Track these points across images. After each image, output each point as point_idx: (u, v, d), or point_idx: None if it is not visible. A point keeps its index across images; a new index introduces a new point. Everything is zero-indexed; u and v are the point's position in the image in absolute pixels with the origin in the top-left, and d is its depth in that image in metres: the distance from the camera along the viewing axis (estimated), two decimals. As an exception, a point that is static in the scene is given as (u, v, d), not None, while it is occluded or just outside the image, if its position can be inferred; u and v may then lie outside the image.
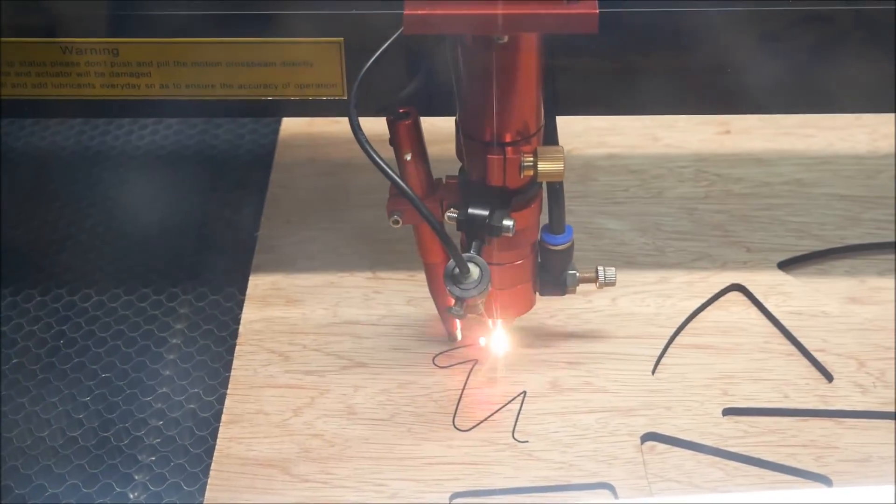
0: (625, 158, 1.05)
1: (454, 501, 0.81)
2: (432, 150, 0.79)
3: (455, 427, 0.85)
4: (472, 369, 0.88)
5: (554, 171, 0.75)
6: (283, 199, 1.03)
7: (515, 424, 0.85)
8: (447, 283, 0.73)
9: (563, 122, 0.78)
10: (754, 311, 0.92)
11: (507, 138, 0.74)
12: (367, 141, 0.69)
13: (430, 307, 0.92)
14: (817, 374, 0.88)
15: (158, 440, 0.87)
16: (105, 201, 1.06)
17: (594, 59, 0.79)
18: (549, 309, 0.91)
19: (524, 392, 0.87)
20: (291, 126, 1.10)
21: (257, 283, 0.95)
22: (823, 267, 0.96)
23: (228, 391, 0.88)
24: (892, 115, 1.01)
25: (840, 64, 0.79)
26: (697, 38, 0.77)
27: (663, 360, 0.89)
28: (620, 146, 1.06)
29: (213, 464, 0.83)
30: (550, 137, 0.77)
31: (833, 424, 0.84)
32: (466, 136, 0.76)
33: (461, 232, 0.78)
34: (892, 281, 0.94)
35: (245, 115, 1.07)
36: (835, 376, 0.87)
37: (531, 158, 0.74)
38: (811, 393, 0.86)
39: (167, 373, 0.91)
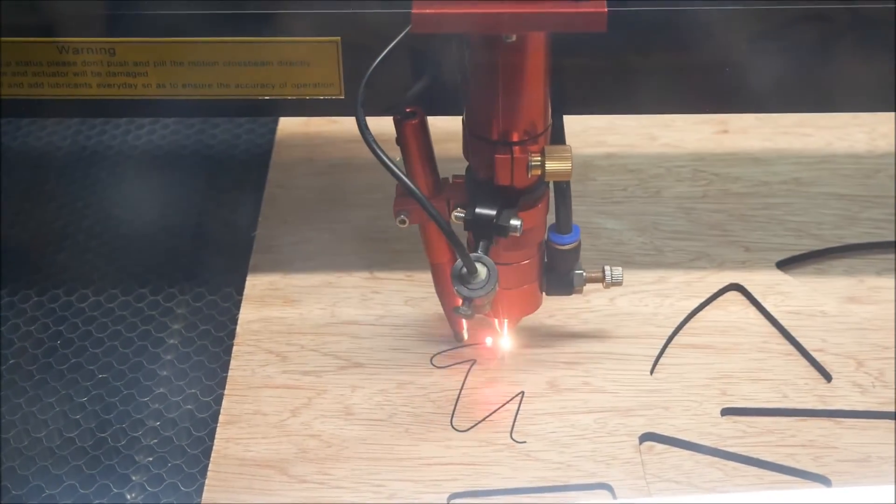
0: (623, 158, 1.05)
1: (452, 502, 0.81)
2: (438, 149, 0.79)
3: (453, 427, 0.85)
4: (469, 369, 0.88)
5: (562, 171, 0.74)
6: (280, 198, 1.03)
7: (513, 425, 0.85)
8: (455, 284, 0.73)
9: (561, 121, 0.78)
10: (753, 311, 0.92)
11: (515, 138, 0.74)
12: (374, 140, 0.69)
13: (428, 307, 0.92)
14: (816, 373, 0.87)
15: (156, 441, 0.87)
16: (102, 201, 1.06)
17: (590, 58, 0.79)
18: (548, 309, 0.91)
19: (522, 392, 0.86)
20: (289, 126, 1.10)
21: (254, 284, 0.95)
22: (822, 266, 0.96)
23: (226, 392, 0.87)
24: (890, 113, 1.01)
25: (838, 63, 0.79)
26: (694, 37, 0.77)
27: (662, 360, 0.89)
28: (618, 145, 1.06)
29: (210, 464, 0.83)
30: (558, 137, 0.77)
31: (832, 424, 0.84)
32: (473, 136, 0.76)
33: (468, 232, 0.78)
34: (891, 280, 0.93)
35: (242, 114, 1.07)
36: (833, 376, 0.87)
37: (539, 158, 0.74)
38: (810, 393, 0.86)
39: (164, 373, 0.91)
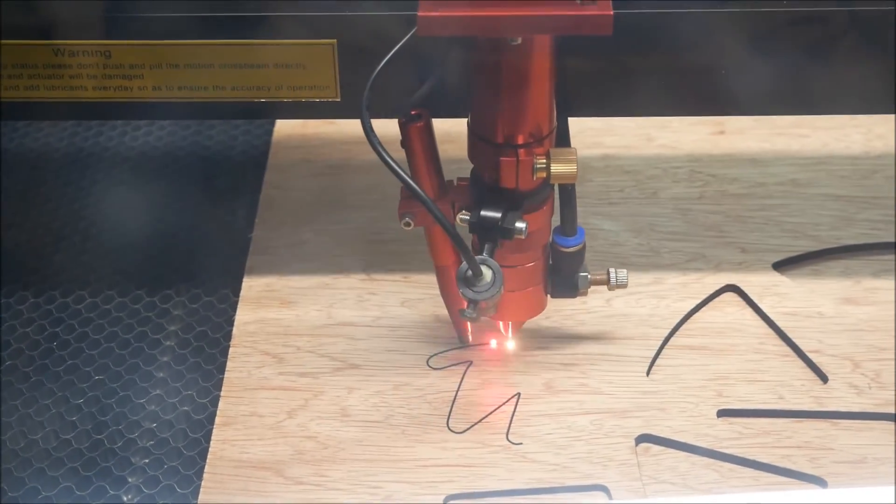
0: (619, 159, 1.05)
1: (449, 503, 0.81)
2: (443, 151, 0.79)
3: (449, 429, 0.85)
4: (466, 371, 0.88)
5: (567, 173, 0.74)
6: (277, 200, 1.03)
7: (510, 426, 0.85)
8: (460, 286, 0.73)
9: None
10: (749, 312, 0.92)
11: (520, 140, 0.74)
12: (379, 143, 0.69)
13: (424, 309, 0.92)
14: (812, 375, 0.87)
15: (152, 442, 0.87)
16: (98, 203, 1.06)
17: (589, 60, 0.79)
18: (544, 310, 0.90)
19: (518, 394, 0.86)
20: (285, 127, 1.10)
21: (251, 285, 0.95)
22: (818, 267, 0.96)
23: (222, 393, 0.87)
24: (887, 114, 1.01)
25: (834, 65, 0.79)
26: (691, 40, 0.77)
27: (658, 362, 0.89)
28: (615, 147, 1.06)
29: (206, 466, 0.83)
30: (562, 139, 0.77)
31: (828, 426, 0.84)
32: (478, 138, 0.76)
33: (473, 234, 0.78)
34: (887, 281, 0.93)
35: (237, 117, 1.06)
36: (830, 377, 0.87)
37: (544, 160, 0.74)
38: (806, 394, 0.86)
39: (161, 375, 0.91)
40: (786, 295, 0.93)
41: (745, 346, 0.89)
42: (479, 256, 0.74)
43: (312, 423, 0.85)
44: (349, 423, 0.85)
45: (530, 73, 0.71)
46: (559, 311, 0.91)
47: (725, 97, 0.80)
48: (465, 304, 0.74)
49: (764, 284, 0.93)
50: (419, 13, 0.66)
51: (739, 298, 0.93)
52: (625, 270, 0.84)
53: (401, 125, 0.76)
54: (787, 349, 0.89)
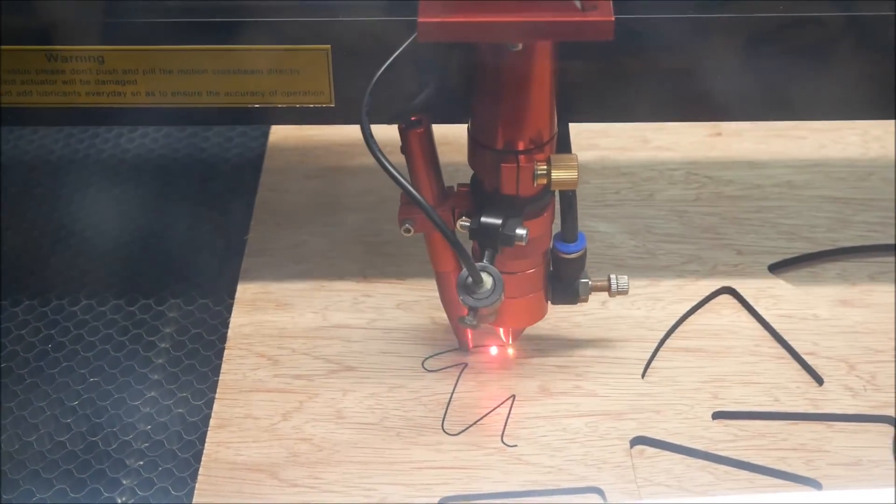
0: (615, 161, 1.05)
1: (443, 506, 0.81)
2: (442, 154, 0.79)
3: (444, 431, 0.85)
4: (461, 373, 0.88)
5: (568, 180, 0.74)
6: (272, 202, 1.03)
7: (504, 428, 0.85)
8: (460, 293, 0.73)
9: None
10: (745, 315, 0.92)
11: (521, 146, 0.74)
12: (379, 149, 0.69)
13: (419, 311, 0.92)
14: (808, 377, 0.87)
15: (146, 444, 0.87)
16: (94, 206, 1.06)
17: (585, 64, 0.79)
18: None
19: (513, 396, 0.86)
20: (281, 130, 1.10)
21: (246, 287, 0.95)
22: (814, 270, 0.96)
23: (217, 395, 0.87)
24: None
25: (833, 71, 0.79)
26: (686, 45, 0.77)
27: (653, 364, 0.89)
28: (611, 148, 1.06)
29: (201, 468, 0.83)
30: (563, 145, 0.77)
31: (823, 428, 0.84)
32: (479, 145, 0.75)
33: (473, 241, 0.78)
34: (883, 284, 0.93)
35: (231, 122, 1.06)
36: (825, 379, 0.87)
37: (545, 167, 0.74)
38: (801, 396, 0.86)
39: (155, 377, 0.91)
40: (781, 297, 0.93)
41: (741, 349, 0.89)
42: (480, 263, 0.74)
43: (307, 425, 0.85)
44: (344, 426, 0.85)
45: (531, 79, 0.71)
46: (555, 314, 0.91)
47: (725, 103, 0.80)
48: (466, 311, 0.74)
49: (760, 287, 0.93)
50: (419, 18, 0.66)
51: (735, 301, 0.93)
52: (626, 277, 0.84)
53: (401, 131, 0.76)
54: (783, 351, 0.89)
